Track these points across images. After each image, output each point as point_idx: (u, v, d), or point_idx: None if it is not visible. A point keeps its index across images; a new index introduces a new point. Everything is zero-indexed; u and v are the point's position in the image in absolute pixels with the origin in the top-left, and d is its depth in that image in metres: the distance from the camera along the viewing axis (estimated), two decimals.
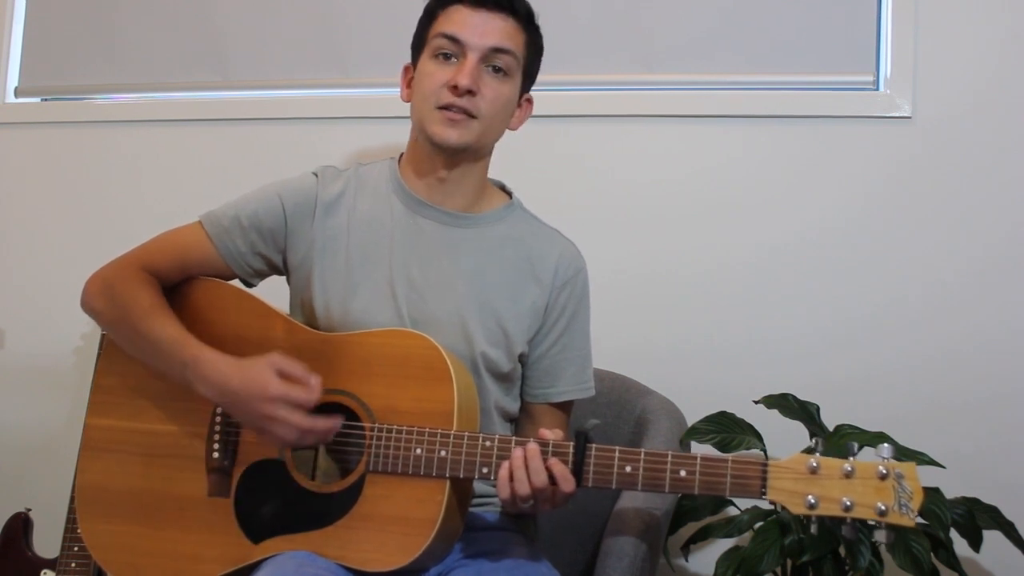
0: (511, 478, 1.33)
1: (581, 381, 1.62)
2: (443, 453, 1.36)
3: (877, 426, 1.79)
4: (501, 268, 1.57)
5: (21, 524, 2.13)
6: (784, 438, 1.82)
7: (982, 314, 2.04)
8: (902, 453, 1.67)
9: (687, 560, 1.96)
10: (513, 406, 1.61)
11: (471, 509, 1.49)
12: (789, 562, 1.78)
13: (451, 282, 1.54)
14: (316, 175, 1.60)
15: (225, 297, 1.55)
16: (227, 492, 1.46)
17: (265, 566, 1.36)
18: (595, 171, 2.21)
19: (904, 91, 2.08)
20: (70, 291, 1.61)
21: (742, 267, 2.13)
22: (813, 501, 1.23)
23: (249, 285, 1.60)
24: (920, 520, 1.27)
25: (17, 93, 2.50)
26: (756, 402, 1.86)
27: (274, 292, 1.59)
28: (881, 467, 1.21)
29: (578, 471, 1.32)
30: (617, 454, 1.32)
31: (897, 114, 2.08)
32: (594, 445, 1.33)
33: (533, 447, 1.33)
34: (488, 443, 1.36)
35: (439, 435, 1.37)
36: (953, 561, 1.71)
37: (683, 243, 2.16)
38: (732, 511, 1.88)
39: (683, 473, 1.29)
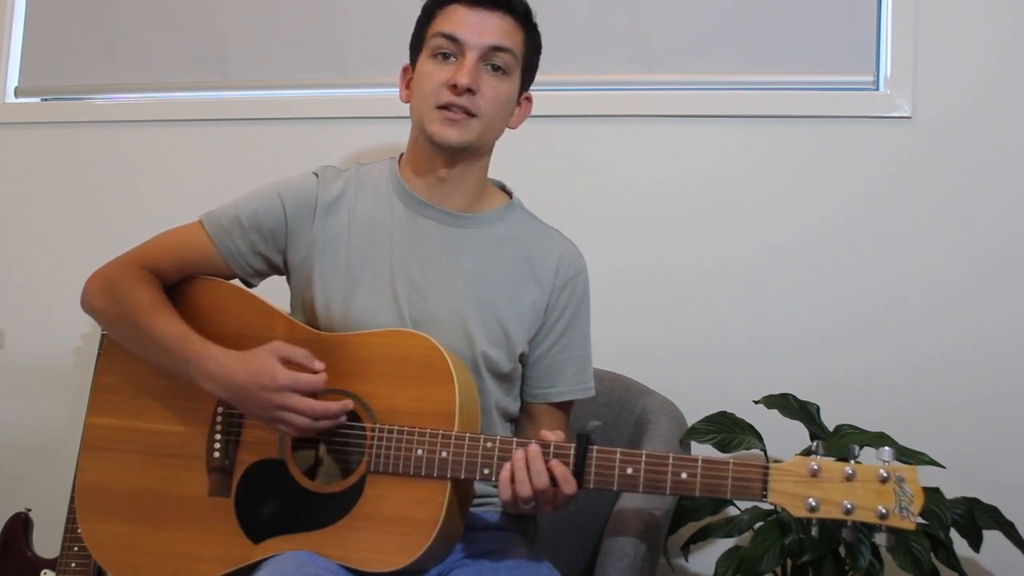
0: (512, 479, 1.33)
1: (581, 381, 1.62)
2: (444, 454, 1.36)
3: (877, 426, 1.79)
4: (501, 268, 1.57)
5: (21, 524, 2.13)
6: (784, 438, 1.82)
7: (982, 314, 2.04)
8: (902, 453, 1.68)
9: (687, 560, 1.96)
10: (513, 406, 1.61)
11: (471, 509, 1.49)
12: (789, 562, 1.78)
13: (451, 282, 1.54)
14: (316, 175, 1.60)
15: (226, 296, 1.55)
16: (228, 492, 1.46)
17: (265, 566, 1.36)
18: (595, 171, 2.21)
19: (904, 91, 2.08)
20: (70, 291, 1.61)
21: (742, 267, 2.13)
22: (814, 504, 1.23)
23: (249, 285, 1.60)
24: (920, 520, 1.27)
25: (17, 93, 2.50)
26: (756, 402, 1.86)
27: (274, 292, 1.59)
28: (882, 470, 1.21)
29: (579, 473, 1.32)
30: (618, 456, 1.32)
31: (897, 114, 2.08)
32: (595, 447, 1.33)
33: (535, 448, 1.33)
34: (489, 444, 1.36)
35: (440, 436, 1.37)
36: (953, 561, 1.71)
37: (683, 243, 2.16)
38: (732, 511, 1.88)
39: (684, 475, 1.29)
